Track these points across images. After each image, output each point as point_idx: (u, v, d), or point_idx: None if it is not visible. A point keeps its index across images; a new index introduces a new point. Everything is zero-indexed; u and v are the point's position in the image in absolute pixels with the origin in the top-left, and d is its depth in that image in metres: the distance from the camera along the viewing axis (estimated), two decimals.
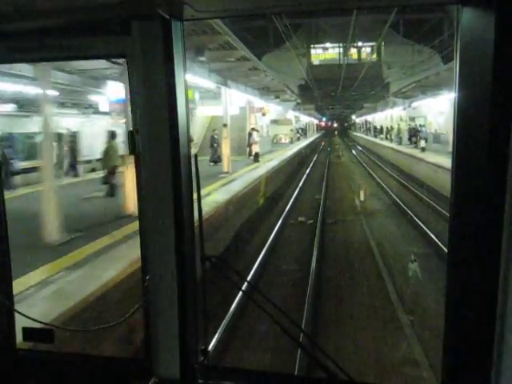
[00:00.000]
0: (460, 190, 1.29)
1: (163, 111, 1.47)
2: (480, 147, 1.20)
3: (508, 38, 1.12)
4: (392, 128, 39.55)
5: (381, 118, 52.02)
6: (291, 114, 46.82)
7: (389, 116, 45.32)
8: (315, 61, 40.08)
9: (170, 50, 1.45)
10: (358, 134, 69.71)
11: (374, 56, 37.43)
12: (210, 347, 4.84)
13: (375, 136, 53.02)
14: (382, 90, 34.63)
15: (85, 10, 1.43)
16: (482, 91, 1.18)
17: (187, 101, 1.56)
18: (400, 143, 33.25)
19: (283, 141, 43.93)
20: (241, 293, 5.78)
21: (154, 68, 1.46)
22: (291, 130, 42.26)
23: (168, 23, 1.43)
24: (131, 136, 1.53)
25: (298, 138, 49.49)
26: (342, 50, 38.44)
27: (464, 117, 1.26)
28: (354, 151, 47.17)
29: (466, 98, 1.25)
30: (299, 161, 30.69)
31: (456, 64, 1.25)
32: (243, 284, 1.96)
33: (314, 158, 36.58)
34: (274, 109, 29.61)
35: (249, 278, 7.64)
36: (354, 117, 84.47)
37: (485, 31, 1.16)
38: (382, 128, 46.50)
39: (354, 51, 40.63)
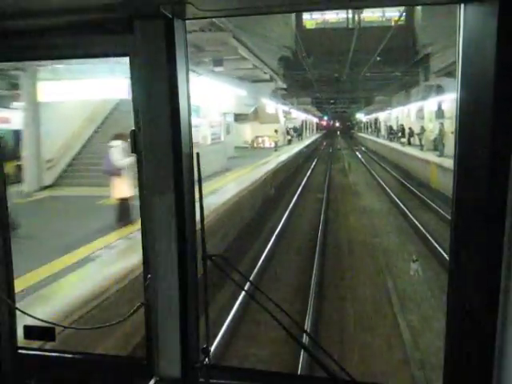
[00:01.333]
0: (462, 191, 1.28)
1: (165, 110, 1.47)
2: (483, 146, 1.20)
3: (510, 37, 1.12)
4: (424, 129, 26.54)
5: (400, 115, 39.26)
6: (279, 109, 34.16)
7: (413, 112, 32.55)
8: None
9: (172, 48, 1.45)
10: (366, 136, 56.81)
11: (402, 19, 24.43)
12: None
13: (390, 139, 40.27)
14: (416, 66, 21.85)
15: (87, 8, 1.44)
16: (485, 90, 1.18)
17: (189, 100, 1.55)
18: (442, 153, 20.45)
19: (267, 145, 31.54)
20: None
21: (156, 67, 1.46)
22: (275, 131, 29.38)
23: (171, 22, 1.43)
24: (133, 135, 1.53)
25: (289, 141, 36.79)
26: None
27: (466, 116, 1.26)
28: (363, 159, 34.09)
29: (469, 97, 1.25)
30: (277, 185, 17.70)
31: (458, 63, 1.25)
32: (245, 283, 1.91)
33: (305, 179, 22.19)
34: (225, 93, 16.26)
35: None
36: (358, 115, 71.96)
37: (487, 30, 1.16)
38: (403, 129, 33.51)
39: (368, 14, 27.76)
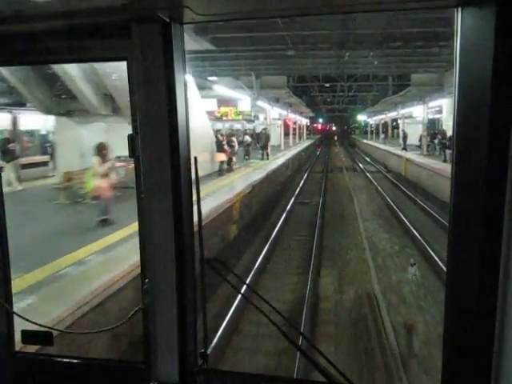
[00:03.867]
0: (460, 194, 1.29)
1: (163, 114, 1.49)
2: (480, 150, 1.21)
3: (508, 41, 1.14)
4: None
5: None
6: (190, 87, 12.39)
7: None
8: None
9: (169, 52, 1.47)
10: (380, 146, 35.38)
11: None
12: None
13: (445, 159, 19.05)
14: None
15: (85, 12, 1.43)
16: (482, 94, 1.19)
17: (187, 103, 1.56)
18: None
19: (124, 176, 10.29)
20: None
21: (153, 71, 1.48)
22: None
23: (168, 26, 1.45)
24: (131, 139, 1.54)
25: (228, 164, 15.47)
26: None
27: (464, 120, 1.26)
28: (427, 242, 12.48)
29: (466, 100, 1.25)
30: None
31: (456, 66, 1.26)
32: (242, 287, 1.95)
33: None
34: None
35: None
36: (361, 117, 50.95)
37: (484, 33, 1.17)
38: None
39: None
